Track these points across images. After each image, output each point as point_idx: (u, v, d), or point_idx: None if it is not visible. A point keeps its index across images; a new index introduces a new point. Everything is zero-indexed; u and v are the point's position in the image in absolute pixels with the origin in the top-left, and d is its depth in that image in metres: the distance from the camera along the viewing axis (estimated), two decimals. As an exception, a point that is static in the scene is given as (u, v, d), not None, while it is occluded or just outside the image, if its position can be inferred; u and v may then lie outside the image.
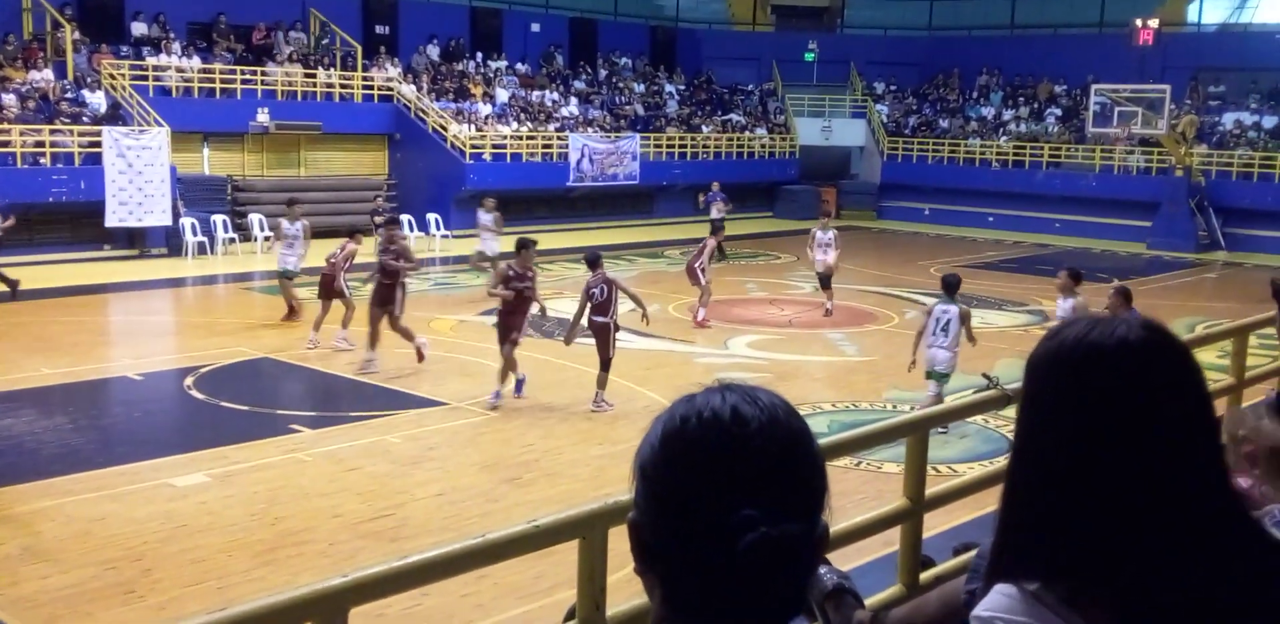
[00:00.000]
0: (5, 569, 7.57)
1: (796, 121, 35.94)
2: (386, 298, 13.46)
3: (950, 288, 11.37)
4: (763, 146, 34.79)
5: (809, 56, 37.23)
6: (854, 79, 37.33)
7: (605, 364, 12.09)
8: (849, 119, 36.07)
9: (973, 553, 2.31)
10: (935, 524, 5.41)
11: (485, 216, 19.59)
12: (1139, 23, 30.92)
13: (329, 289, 14.75)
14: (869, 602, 3.13)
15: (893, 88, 37.74)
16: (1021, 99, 35.59)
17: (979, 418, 10.93)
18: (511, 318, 12.12)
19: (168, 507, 8.78)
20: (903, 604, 2.92)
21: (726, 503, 1.16)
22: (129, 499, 8.94)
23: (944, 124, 35.51)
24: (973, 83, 37.18)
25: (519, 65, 32.93)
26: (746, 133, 34.76)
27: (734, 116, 35.50)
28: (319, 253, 15.82)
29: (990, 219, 32.15)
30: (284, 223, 16.21)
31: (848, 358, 15.11)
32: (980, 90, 36.79)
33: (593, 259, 12.65)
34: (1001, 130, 34.40)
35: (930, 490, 3.31)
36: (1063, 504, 1.39)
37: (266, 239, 23.37)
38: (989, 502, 6.20)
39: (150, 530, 8.27)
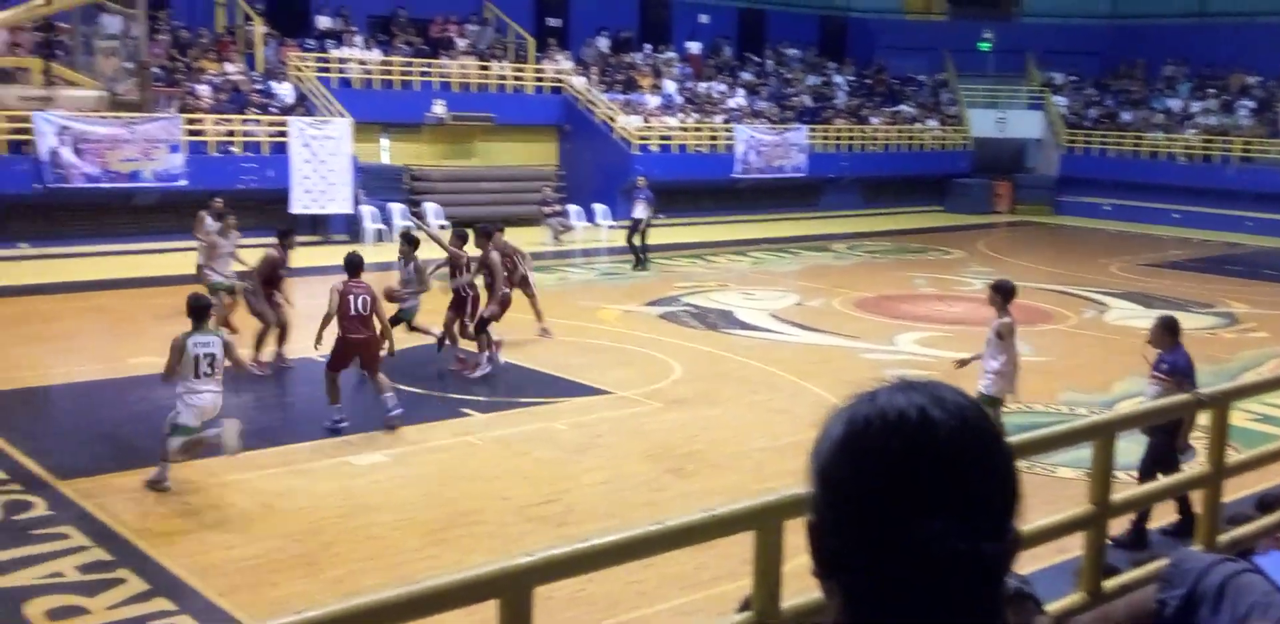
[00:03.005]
0: (197, 538, 8.00)
1: (970, 113, 35.06)
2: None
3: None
4: (934, 139, 34.08)
5: (984, 46, 36.25)
6: (1031, 69, 36.19)
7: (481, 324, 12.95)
8: (1025, 110, 34.99)
9: (1164, 561, 2.24)
10: (1112, 532, 5.24)
11: (213, 223, 14.75)
12: (1345, 8, 29.11)
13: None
14: (1048, 609, 3.06)
15: (1072, 78, 36.44)
16: (1211, 90, 33.90)
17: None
18: None
19: (347, 484, 9.15)
20: (1086, 612, 2.85)
21: (915, 515, 1.10)
22: (311, 475, 9.34)
23: (1127, 116, 34.12)
24: (1158, 73, 35.61)
25: (689, 44, 33.04)
26: (917, 124, 34.10)
27: (904, 108, 34.85)
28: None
29: (1176, 216, 30.76)
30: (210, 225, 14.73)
31: (1021, 358, 14.67)
32: (1166, 81, 35.20)
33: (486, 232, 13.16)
34: (1188, 123, 32.86)
35: (1114, 497, 3.21)
36: None
37: (442, 227, 24.03)
38: (1170, 512, 6.02)
39: (330, 506, 8.62)
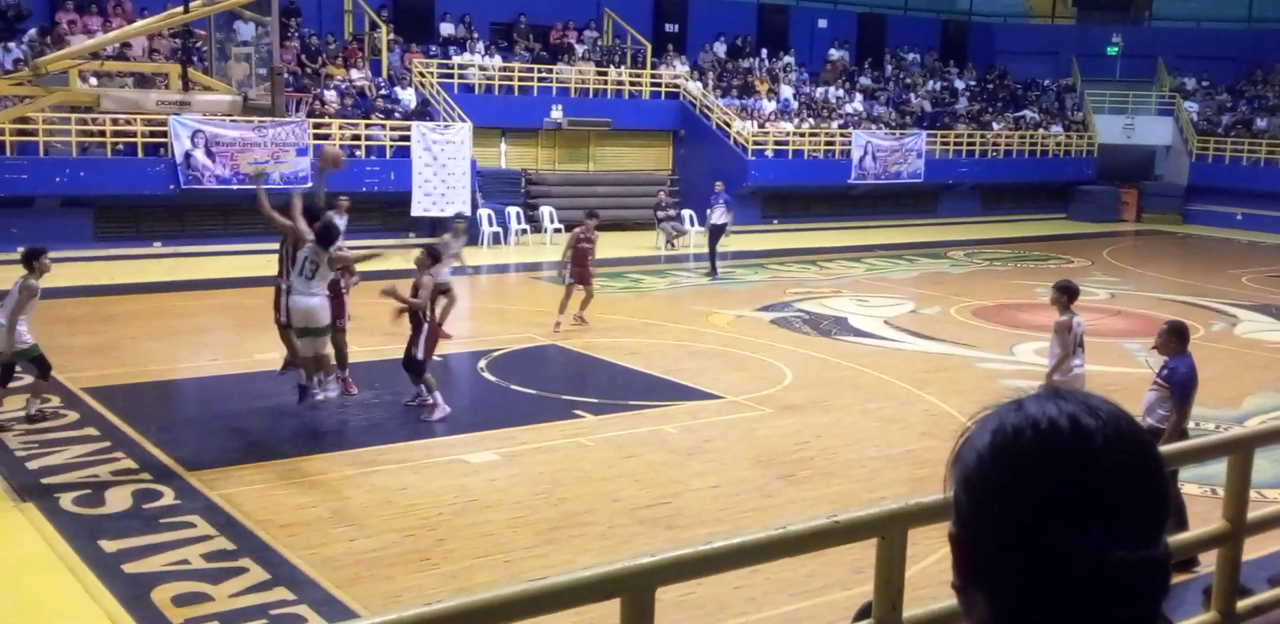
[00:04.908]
0: (317, 531, 8.20)
1: (1096, 119, 34.20)
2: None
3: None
4: (1058, 145, 33.32)
5: (1112, 50, 35.34)
6: (1161, 74, 35.15)
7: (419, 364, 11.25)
8: (1154, 116, 34.01)
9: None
10: (1245, 552, 5.04)
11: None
12: None
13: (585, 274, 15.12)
14: (1178, 627, 2.98)
15: (1204, 83, 35.29)
16: (1355, 95, 32.53)
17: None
18: None
19: (461, 481, 9.29)
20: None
21: (1072, 525, 1.08)
22: (427, 472, 9.51)
23: (1261, 123, 32.90)
24: (1297, 78, 34.31)
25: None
26: (1040, 130, 33.38)
27: (1028, 113, 34.15)
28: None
29: (1313, 226, 29.62)
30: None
31: (1146, 370, 14.25)
32: (1306, 86, 33.89)
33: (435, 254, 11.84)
34: (1330, 129, 31.57)
35: (1250, 514, 3.09)
36: None
37: (557, 230, 24.28)
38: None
39: (445, 503, 8.77)
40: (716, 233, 20.79)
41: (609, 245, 23.43)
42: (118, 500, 8.65)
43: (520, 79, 26.67)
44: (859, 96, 32.01)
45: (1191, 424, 11.48)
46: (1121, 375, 13.57)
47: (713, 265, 20.75)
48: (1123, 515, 1.10)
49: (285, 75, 18.86)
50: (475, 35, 27.42)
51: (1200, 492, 8.76)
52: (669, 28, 30.87)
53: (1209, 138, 32.72)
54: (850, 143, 28.98)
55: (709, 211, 21.35)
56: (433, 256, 11.69)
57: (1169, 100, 34.20)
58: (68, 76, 13.56)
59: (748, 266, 22.09)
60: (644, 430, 10.87)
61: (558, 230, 24.35)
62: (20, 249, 10.89)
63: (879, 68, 34.29)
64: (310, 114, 22.82)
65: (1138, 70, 35.03)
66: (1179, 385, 7.91)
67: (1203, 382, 13.21)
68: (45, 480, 9.06)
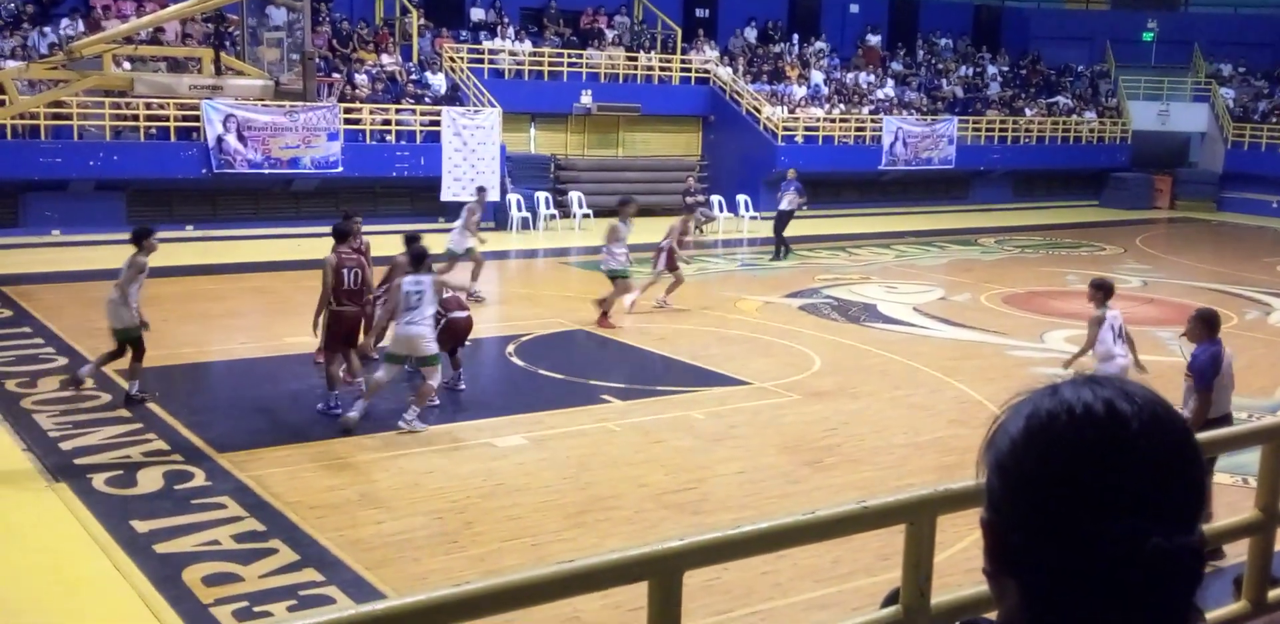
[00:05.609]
0: (345, 513, 8.26)
1: (1130, 105, 33.85)
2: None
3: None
4: (1091, 131, 33.01)
5: (1147, 36, 34.95)
6: (1197, 60, 34.73)
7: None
8: (1189, 103, 33.62)
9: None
10: (1278, 541, 4.99)
11: (470, 216, 16.23)
12: None
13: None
14: (1210, 616, 2.96)
15: (1241, 70, 34.85)
16: (1396, 82, 32.06)
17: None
18: None
19: (489, 465, 9.33)
20: (1250, 621, 2.74)
21: (1106, 511, 1.07)
22: (455, 456, 9.56)
23: (1300, 109, 32.50)
24: (1337, 64, 33.84)
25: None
26: (1074, 116, 33.08)
27: (1061, 99, 33.85)
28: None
29: (1350, 214, 29.25)
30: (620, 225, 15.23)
31: (1177, 358, 14.12)
32: (1346, 72, 33.42)
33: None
34: (1369, 116, 31.12)
35: (1283, 504, 3.06)
36: None
37: (586, 216, 24.26)
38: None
39: (473, 486, 8.81)
40: (783, 218, 20.95)
41: (637, 230, 23.44)
42: (149, 481, 8.74)
43: (550, 64, 26.65)
44: (890, 82, 31.81)
45: (1224, 414, 11.40)
46: (1153, 363, 13.42)
47: (777, 249, 21.02)
48: (1158, 502, 1.08)
49: (316, 60, 18.93)
50: (505, 20, 27.41)
51: (1231, 481, 8.70)
52: (699, 13, 30.76)
53: (1245, 125, 32.34)
54: (881, 128, 28.81)
55: (780, 196, 21.46)
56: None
57: (1205, 87, 33.80)
58: (102, 61, 13.64)
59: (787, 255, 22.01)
60: (671, 416, 10.88)
61: (586, 215, 24.36)
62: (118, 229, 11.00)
63: (911, 53, 34.06)
64: (341, 99, 22.89)
65: (1173, 56, 34.64)
66: (1197, 372, 7.84)
67: (1235, 371, 13.13)
68: (78, 461, 9.16)
